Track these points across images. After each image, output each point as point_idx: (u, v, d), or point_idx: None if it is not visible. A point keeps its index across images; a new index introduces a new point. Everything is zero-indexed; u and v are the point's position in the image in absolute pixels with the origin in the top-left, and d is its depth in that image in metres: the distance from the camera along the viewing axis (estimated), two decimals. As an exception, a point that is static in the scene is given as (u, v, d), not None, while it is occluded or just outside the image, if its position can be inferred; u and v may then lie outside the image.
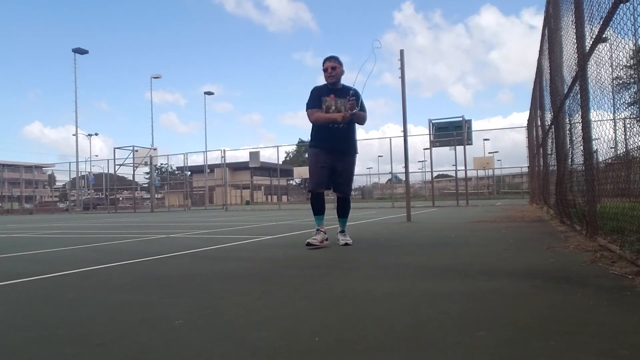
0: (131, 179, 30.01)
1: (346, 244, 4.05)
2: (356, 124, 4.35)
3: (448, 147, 19.20)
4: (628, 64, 2.73)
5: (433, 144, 19.32)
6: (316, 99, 4.21)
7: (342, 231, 4.27)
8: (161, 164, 42.21)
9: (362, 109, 4.22)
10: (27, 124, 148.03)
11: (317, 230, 4.10)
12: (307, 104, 4.23)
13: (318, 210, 4.19)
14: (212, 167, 30.92)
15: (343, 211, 4.33)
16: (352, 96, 4.07)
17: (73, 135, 45.50)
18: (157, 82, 37.24)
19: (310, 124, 4.29)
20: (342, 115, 4.08)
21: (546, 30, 6.47)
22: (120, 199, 46.57)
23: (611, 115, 3.21)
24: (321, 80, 4.30)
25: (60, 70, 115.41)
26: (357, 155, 4.41)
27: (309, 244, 3.93)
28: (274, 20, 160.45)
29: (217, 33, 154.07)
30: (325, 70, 4.20)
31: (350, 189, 4.40)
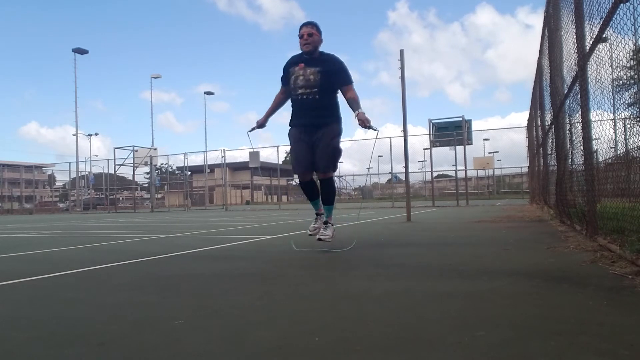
0: (131, 179, 30.02)
1: (319, 239, 3.67)
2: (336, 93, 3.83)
3: (448, 147, 19.21)
4: (628, 64, 2.73)
5: (433, 143, 19.32)
6: (284, 75, 3.88)
7: (326, 222, 3.82)
8: (161, 164, 42.23)
9: (347, 79, 3.75)
10: (24, 124, 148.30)
11: (317, 215, 3.91)
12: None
13: (310, 196, 3.89)
14: (212, 167, 30.91)
15: (325, 196, 3.84)
16: (329, 69, 3.71)
17: (73, 135, 45.52)
18: (153, 82, 37.16)
19: None
20: (258, 123, 3.96)
21: (546, 30, 6.47)
22: (120, 199, 46.56)
23: (611, 115, 3.21)
24: None
25: (56, 69, 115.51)
26: (338, 125, 3.84)
27: (310, 235, 3.84)
28: (267, 20, 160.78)
29: (211, 32, 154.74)
30: (301, 37, 3.74)
31: (328, 164, 3.73)
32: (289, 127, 3.92)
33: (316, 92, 3.70)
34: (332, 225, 3.86)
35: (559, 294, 1.96)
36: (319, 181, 3.89)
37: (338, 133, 3.82)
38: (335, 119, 3.83)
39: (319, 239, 3.68)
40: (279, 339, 1.46)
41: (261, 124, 3.97)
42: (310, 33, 3.71)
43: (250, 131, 4.00)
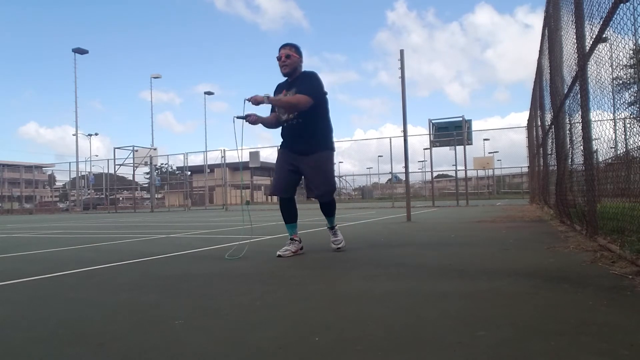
0: (131, 179, 30.02)
1: (338, 249, 3.73)
2: (315, 117, 3.62)
3: (448, 147, 19.21)
4: (628, 64, 2.73)
5: (433, 143, 19.32)
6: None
7: (332, 228, 3.84)
8: (161, 164, 42.23)
9: (307, 90, 3.54)
10: (23, 124, 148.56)
11: (291, 239, 3.68)
12: None
13: (287, 218, 3.75)
14: (212, 167, 30.91)
15: (325, 212, 3.85)
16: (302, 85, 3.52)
17: (73, 135, 45.55)
18: (152, 82, 37.14)
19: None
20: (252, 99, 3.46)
21: (546, 30, 6.47)
22: (120, 199, 46.56)
23: (611, 115, 3.21)
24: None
25: (56, 69, 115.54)
26: (328, 151, 3.72)
27: (280, 256, 3.49)
28: (265, 20, 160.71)
29: (209, 32, 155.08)
30: (278, 59, 3.65)
31: (323, 191, 3.69)
32: (279, 148, 3.85)
33: (297, 115, 3.61)
34: (337, 227, 3.91)
35: (559, 294, 1.96)
36: (319, 202, 3.84)
37: (328, 158, 3.74)
38: (324, 145, 3.69)
39: (338, 249, 3.75)
40: (279, 339, 1.46)
41: (253, 121, 3.71)
42: (287, 55, 3.63)
43: (237, 117, 3.65)
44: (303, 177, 3.77)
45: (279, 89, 3.78)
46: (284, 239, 5.10)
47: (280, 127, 3.80)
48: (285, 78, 3.75)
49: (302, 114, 3.60)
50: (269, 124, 3.81)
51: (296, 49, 3.70)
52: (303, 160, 3.66)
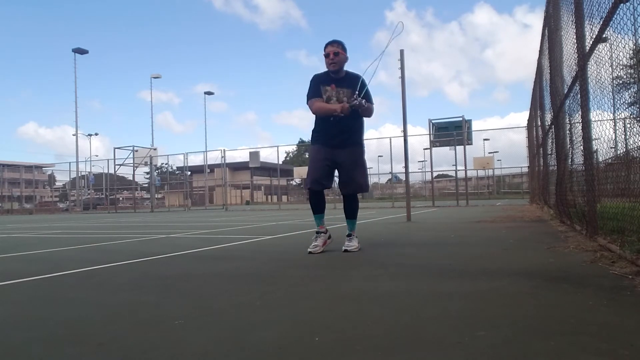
0: (131, 179, 30.02)
1: (346, 251, 3.68)
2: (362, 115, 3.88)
3: (448, 147, 19.22)
4: (628, 64, 2.73)
5: (433, 143, 19.33)
6: (316, 88, 3.81)
7: (349, 235, 3.86)
8: (161, 164, 42.25)
9: (369, 99, 3.78)
10: (22, 124, 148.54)
11: (317, 233, 3.78)
12: (307, 94, 3.84)
13: (316, 209, 3.85)
14: (212, 167, 30.91)
15: (349, 211, 3.93)
16: (356, 89, 3.65)
17: (72, 135, 45.59)
18: (152, 81, 37.20)
19: (313, 118, 3.90)
20: (341, 107, 3.63)
21: (546, 30, 6.47)
22: (120, 199, 46.59)
23: (611, 115, 3.21)
24: (323, 69, 3.85)
25: (54, 69, 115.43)
26: (362, 146, 3.94)
27: (311, 253, 3.60)
28: (264, 19, 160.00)
29: (208, 32, 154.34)
30: (327, 56, 3.73)
31: (355, 186, 3.86)
32: (312, 144, 3.91)
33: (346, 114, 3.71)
34: (356, 237, 3.91)
35: (559, 294, 1.96)
36: (344, 197, 3.95)
37: (363, 153, 3.94)
38: (361, 140, 3.94)
39: (345, 250, 3.68)
40: (279, 339, 1.46)
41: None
42: (336, 52, 3.71)
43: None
44: (338, 171, 3.86)
45: (324, 81, 3.80)
46: (285, 238, 5.11)
47: (322, 122, 3.83)
48: (325, 71, 3.81)
49: (351, 112, 3.70)
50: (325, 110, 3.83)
51: (342, 46, 3.78)
52: (340, 153, 3.78)
